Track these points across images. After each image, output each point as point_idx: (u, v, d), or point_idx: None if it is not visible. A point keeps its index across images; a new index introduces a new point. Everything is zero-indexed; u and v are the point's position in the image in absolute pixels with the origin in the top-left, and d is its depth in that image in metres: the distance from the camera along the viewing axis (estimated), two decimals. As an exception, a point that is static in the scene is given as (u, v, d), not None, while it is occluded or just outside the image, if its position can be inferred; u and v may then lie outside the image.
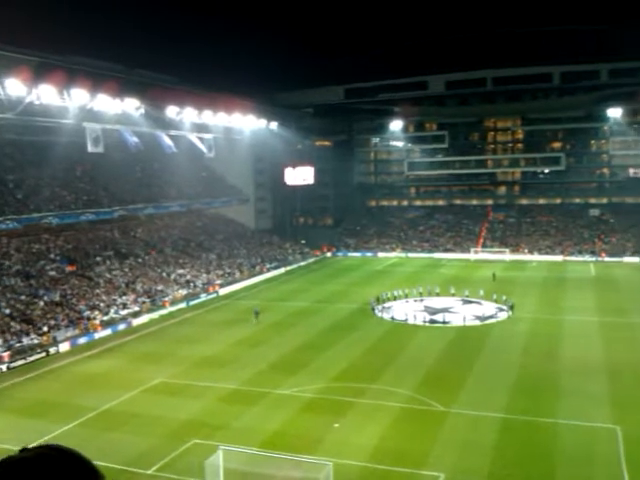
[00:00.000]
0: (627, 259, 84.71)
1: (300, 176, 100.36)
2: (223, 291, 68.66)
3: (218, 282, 70.10)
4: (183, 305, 61.74)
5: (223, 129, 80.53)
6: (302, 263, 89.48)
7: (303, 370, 40.00)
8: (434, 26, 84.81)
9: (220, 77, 72.04)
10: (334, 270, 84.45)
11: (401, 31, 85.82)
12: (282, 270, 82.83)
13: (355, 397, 34.76)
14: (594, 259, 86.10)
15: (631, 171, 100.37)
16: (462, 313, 54.41)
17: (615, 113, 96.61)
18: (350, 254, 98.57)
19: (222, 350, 45.63)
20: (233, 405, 34.22)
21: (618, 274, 74.78)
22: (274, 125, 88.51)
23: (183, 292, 64.72)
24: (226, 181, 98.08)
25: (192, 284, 67.30)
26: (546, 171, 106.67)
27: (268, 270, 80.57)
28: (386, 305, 58.63)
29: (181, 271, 70.16)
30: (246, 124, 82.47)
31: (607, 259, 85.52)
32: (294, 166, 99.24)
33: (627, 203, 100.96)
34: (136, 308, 57.64)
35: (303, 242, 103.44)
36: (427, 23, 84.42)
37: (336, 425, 30.75)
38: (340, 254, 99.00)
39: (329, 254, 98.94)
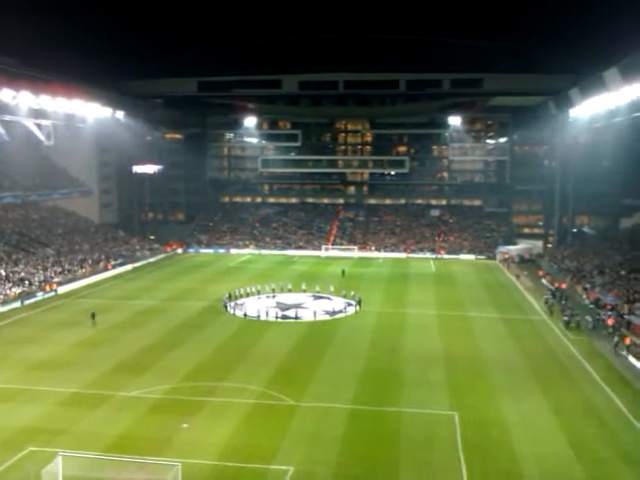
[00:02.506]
0: (463, 256, 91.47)
1: (149, 169, 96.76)
2: (62, 289, 64.07)
3: (57, 280, 65.27)
4: (17, 304, 56.80)
5: (64, 116, 74.89)
6: (151, 260, 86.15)
7: (150, 371, 38.41)
8: (289, 25, 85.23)
9: (62, 61, 66.78)
10: (185, 267, 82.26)
11: (257, 27, 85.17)
12: (129, 267, 79.11)
13: (205, 396, 34.00)
14: (434, 256, 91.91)
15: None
16: (313, 308, 55.39)
17: (455, 121, 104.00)
18: (202, 250, 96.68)
19: (61, 352, 42.48)
20: (74, 409, 32.06)
21: (455, 270, 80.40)
22: (121, 115, 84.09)
23: (17, 290, 59.42)
24: (67, 172, 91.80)
25: (27, 282, 62.00)
26: (392, 173, 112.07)
27: (113, 267, 76.49)
28: (238, 302, 58.08)
29: (15, 268, 64.43)
30: (89, 112, 77.44)
31: (446, 256, 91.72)
32: (142, 160, 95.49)
33: (464, 205, 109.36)
34: (-40, 309, 51.91)
35: (152, 238, 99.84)
36: (282, 22, 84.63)
37: (185, 425, 29.97)
38: (192, 250, 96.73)
39: (180, 250, 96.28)
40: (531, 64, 78.88)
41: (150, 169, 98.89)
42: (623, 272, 62.23)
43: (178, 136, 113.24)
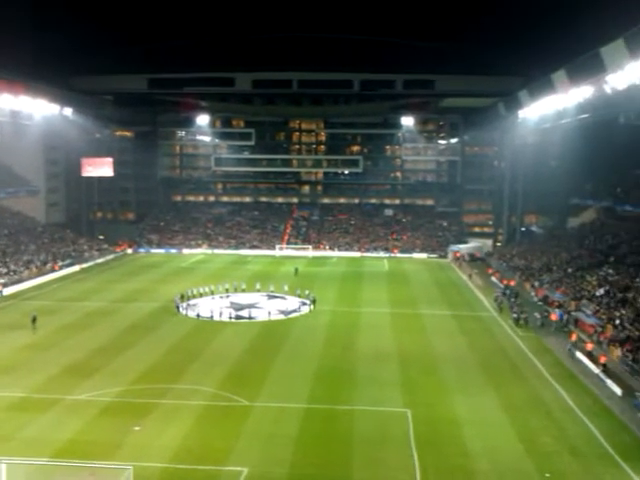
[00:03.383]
0: (416, 255, 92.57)
1: (99, 168, 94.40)
2: (8, 291, 61.92)
3: (2, 281, 63.03)
4: (-43, 307, 54.64)
5: (9, 113, 72.37)
6: (100, 260, 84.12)
7: (100, 373, 37.50)
8: (243, 23, 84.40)
9: (8, 56, 64.39)
10: (135, 267, 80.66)
11: (209, 25, 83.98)
12: (77, 268, 77.03)
13: (157, 398, 33.40)
14: (388, 255, 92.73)
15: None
16: (267, 308, 55.09)
17: (408, 121, 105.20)
18: (153, 251, 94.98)
19: (6, 355, 41.05)
20: (19, 414, 31.03)
21: (408, 269, 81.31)
22: (69, 112, 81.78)
23: (-42, 293, 57.17)
24: (13, 170, 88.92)
25: (-31, 284, 59.73)
26: (346, 172, 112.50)
27: (61, 268, 74.34)
28: (191, 302, 57.28)
29: (-45, 269, 62.01)
30: (36, 109, 75.04)
31: (399, 255, 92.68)
32: (92, 157, 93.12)
33: (417, 204, 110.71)
34: None
35: (101, 238, 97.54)
36: (236, 19, 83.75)
37: (137, 428, 29.44)
38: (142, 251, 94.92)
39: (130, 251, 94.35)
40: (481, 66, 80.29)
41: (104, 171, 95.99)
42: (570, 270, 64.07)
43: (128, 134, 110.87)
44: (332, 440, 28.58)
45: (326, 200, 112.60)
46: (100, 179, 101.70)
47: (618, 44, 43.01)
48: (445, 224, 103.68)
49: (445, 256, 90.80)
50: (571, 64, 54.30)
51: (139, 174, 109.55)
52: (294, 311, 55.22)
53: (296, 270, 74.34)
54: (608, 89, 47.95)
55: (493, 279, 71.58)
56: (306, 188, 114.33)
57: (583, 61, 50.37)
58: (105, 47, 79.99)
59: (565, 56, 55.01)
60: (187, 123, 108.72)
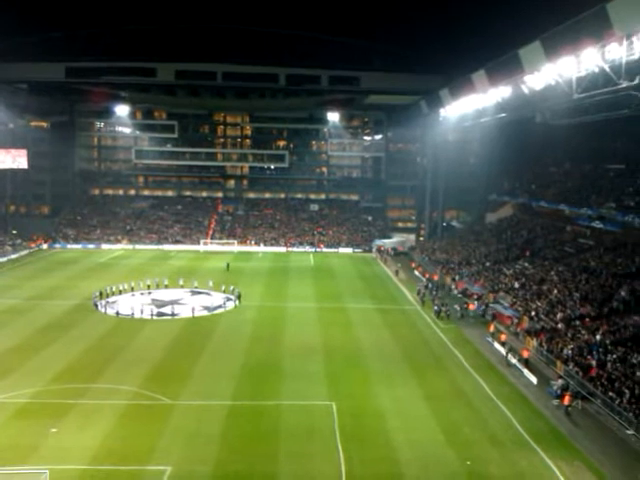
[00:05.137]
0: (342, 250, 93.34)
1: (12, 159, 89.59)
2: None
3: None
4: None
5: None
6: (13, 256, 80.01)
7: (14, 374, 35.81)
8: (167, 12, 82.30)
9: None
10: (51, 263, 77.16)
11: (132, 13, 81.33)
12: (-12, 264, 73.03)
13: (75, 399, 32.19)
14: (314, 250, 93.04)
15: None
16: (191, 304, 53.98)
17: (333, 117, 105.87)
18: (70, 246, 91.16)
19: None
20: None
21: (334, 263, 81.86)
22: (-21, 99, 77.25)
23: None
24: None
25: None
26: (272, 167, 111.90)
27: (-30, 264, 70.25)
28: (110, 300, 55.37)
29: None
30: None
31: (325, 250, 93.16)
32: (5, 148, 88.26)
33: (342, 199, 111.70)
34: None
35: (14, 232, 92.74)
36: (159, 8, 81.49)
37: (54, 430, 28.39)
38: (58, 246, 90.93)
39: (45, 246, 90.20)
40: (405, 64, 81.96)
41: (18, 163, 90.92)
42: (488, 263, 66.39)
43: (44, 124, 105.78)
44: (258, 436, 28.33)
45: (251, 195, 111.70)
46: (13, 171, 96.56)
47: (535, 46, 44.70)
48: (370, 219, 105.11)
49: (370, 251, 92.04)
50: (490, 64, 56.08)
51: (55, 166, 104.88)
52: (219, 307, 54.43)
53: (227, 265, 73.44)
54: (525, 89, 49.83)
55: (416, 273, 73.17)
56: (231, 182, 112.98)
57: (502, 62, 52.09)
58: (20, 33, 75.97)
59: (485, 56, 56.78)
60: (106, 114, 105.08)
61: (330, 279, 70.30)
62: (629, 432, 29.13)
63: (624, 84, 37.51)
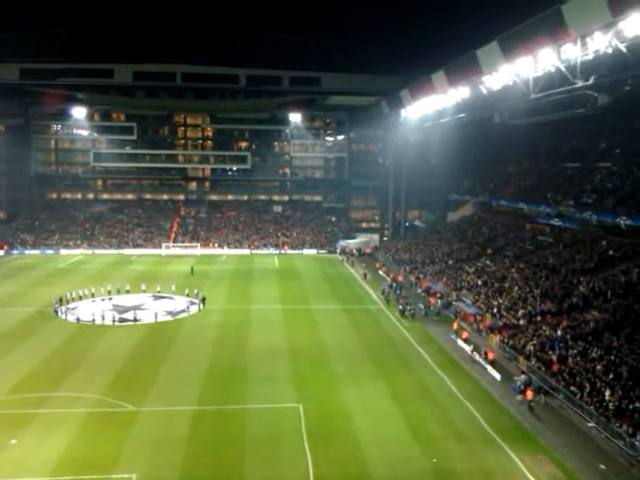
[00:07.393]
0: (306, 251, 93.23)
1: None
2: None
3: None
4: None
5: None
6: (-33, 263, 77.60)
7: (-33, 386, 34.45)
8: (124, 13, 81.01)
9: None
10: (7, 270, 75.04)
11: (88, 13, 79.83)
12: (-60, 272, 70.61)
13: (35, 408, 31.34)
14: (278, 252, 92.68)
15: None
16: (153, 309, 53.11)
17: (295, 118, 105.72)
18: (27, 252, 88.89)
19: None
20: None
21: (299, 265, 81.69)
22: None
23: None
24: None
25: None
26: (234, 169, 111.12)
27: None
28: (70, 306, 54.12)
29: None
30: None
31: (289, 251, 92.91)
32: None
33: (305, 200, 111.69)
34: None
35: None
36: (116, 8, 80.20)
37: (13, 441, 27.62)
38: (16, 252, 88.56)
39: (1, 252, 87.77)
40: (364, 65, 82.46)
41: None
42: (451, 262, 67.13)
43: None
44: (224, 441, 28.00)
45: (214, 197, 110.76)
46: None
47: (492, 46, 45.41)
48: (333, 220, 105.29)
49: (334, 251, 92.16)
50: (449, 65, 56.78)
51: (10, 170, 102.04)
52: (182, 311, 53.70)
53: (192, 269, 72.51)
54: (484, 89, 50.59)
55: (380, 273, 73.55)
56: (193, 184, 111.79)
57: (460, 62, 52.81)
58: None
59: (445, 57, 57.49)
60: (63, 116, 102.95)
61: (295, 280, 70.14)
62: (590, 425, 29.75)
63: (579, 84, 38.42)
